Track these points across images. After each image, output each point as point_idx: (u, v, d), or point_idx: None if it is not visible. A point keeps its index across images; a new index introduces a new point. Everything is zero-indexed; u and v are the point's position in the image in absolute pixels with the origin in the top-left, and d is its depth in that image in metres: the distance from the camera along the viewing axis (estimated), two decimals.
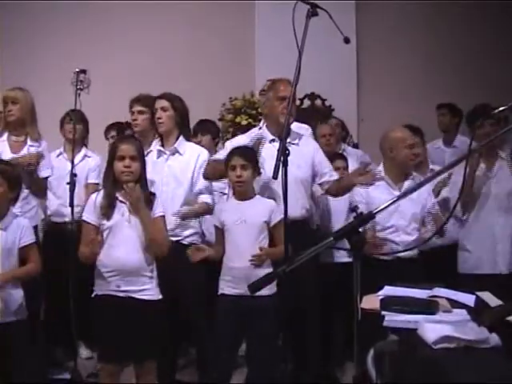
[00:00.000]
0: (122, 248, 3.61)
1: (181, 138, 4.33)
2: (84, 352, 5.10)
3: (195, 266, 4.02)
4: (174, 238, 4.07)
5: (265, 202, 3.97)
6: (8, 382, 3.68)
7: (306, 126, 4.93)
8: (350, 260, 4.51)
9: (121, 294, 3.58)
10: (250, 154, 3.99)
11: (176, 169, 4.26)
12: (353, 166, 5.17)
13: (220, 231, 3.96)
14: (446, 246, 4.56)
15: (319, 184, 4.33)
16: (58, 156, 5.10)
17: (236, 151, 3.98)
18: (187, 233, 4.25)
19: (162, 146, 4.34)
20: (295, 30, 3.33)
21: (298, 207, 4.12)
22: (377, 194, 4.21)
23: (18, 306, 3.75)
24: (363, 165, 4.83)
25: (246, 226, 3.85)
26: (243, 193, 3.95)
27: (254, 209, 3.91)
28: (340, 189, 4.30)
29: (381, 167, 4.42)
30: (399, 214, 4.21)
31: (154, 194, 3.78)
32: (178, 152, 4.30)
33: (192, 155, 4.31)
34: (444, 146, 6.21)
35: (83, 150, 5.24)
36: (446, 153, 6.07)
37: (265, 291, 3.71)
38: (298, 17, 3.36)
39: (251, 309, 3.78)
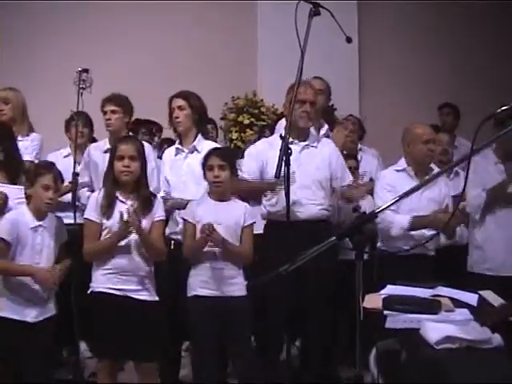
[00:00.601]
0: (120, 247, 3.61)
1: (199, 136, 4.30)
2: (86, 351, 5.08)
3: None
4: (174, 236, 4.09)
5: (240, 204, 3.97)
6: (14, 382, 3.69)
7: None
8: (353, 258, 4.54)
9: (117, 293, 3.59)
10: (228, 155, 4.00)
11: (195, 167, 4.19)
12: (367, 164, 5.32)
13: (192, 226, 3.87)
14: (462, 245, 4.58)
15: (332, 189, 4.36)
16: (65, 157, 5.03)
17: (214, 151, 3.97)
18: None
19: (181, 143, 4.32)
20: (297, 29, 3.32)
21: (317, 208, 4.17)
22: (402, 184, 4.19)
23: (48, 301, 3.79)
24: (358, 177, 4.81)
25: (221, 228, 3.79)
26: (221, 194, 3.92)
27: (229, 211, 3.89)
28: (343, 199, 4.36)
29: (403, 160, 4.45)
30: (418, 209, 4.23)
31: (154, 196, 3.78)
32: (196, 150, 4.25)
33: None
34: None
35: None
36: None
37: (239, 292, 3.79)
38: (301, 16, 3.36)
39: (227, 310, 3.78)
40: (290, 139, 4.19)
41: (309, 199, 4.13)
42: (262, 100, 6.85)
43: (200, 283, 3.83)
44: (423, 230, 4.23)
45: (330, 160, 4.30)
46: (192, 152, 4.27)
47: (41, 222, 3.74)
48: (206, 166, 3.91)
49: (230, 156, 4.00)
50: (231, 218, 3.87)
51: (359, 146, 5.93)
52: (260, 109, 6.84)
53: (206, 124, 4.45)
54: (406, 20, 7.44)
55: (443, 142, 5.10)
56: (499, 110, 2.30)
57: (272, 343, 4.19)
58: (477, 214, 4.29)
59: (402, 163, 4.44)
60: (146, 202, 3.67)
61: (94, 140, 5.30)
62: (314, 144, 4.28)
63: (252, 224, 3.92)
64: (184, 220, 3.93)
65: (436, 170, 4.42)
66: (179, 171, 4.26)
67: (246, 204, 3.98)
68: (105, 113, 4.64)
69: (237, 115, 6.87)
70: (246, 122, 6.78)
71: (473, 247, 4.40)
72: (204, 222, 3.77)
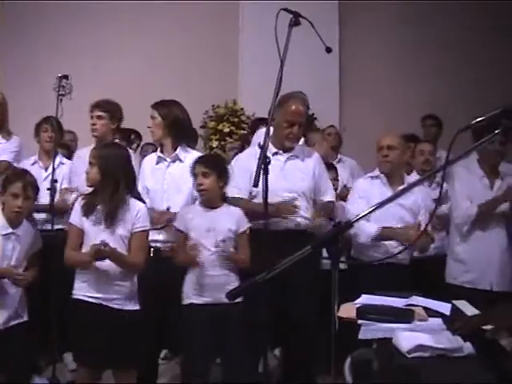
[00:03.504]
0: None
1: (181, 145, 4.25)
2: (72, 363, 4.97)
3: (176, 271, 4.01)
4: (153, 244, 4.07)
5: (232, 210, 3.96)
6: None
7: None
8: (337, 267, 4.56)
9: (96, 301, 3.55)
10: (213, 162, 3.98)
11: (177, 176, 4.17)
12: (346, 174, 5.46)
13: (183, 236, 3.88)
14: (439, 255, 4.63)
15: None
16: (32, 164, 5.01)
17: (198, 159, 3.96)
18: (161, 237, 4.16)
19: (162, 152, 4.29)
20: (277, 38, 3.34)
21: (299, 219, 4.15)
22: (375, 191, 4.29)
23: (19, 307, 3.77)
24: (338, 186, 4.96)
25: (215, 234, 3.81)
26: (208, 201, 3.92)
27: (222, 217, 3.89)
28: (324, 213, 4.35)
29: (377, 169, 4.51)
30: (387, 217, 4.23)
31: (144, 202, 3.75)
32: (179, 159, 4.21)
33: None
34: None
35: (58, 158, 5.13)
36: None
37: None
38: (282, 25, 3.37)
39: (222, 316, 3.77)
40: (275, 150, 4.24)
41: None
42: (242, 109, 6.87)
43: (195, 291, 3.82)
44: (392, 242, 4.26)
45: (314, 172, 4.31)
46: (174, 161, 4.23)
47: (14, 230, 3.72)
48: (192, 174, 3.92)
49: (214, 163, 3.96)
50: (224, 223, 3.86)
51: (339, 156, 5.99)
52: (240, 117, 6.87)
53: (184, 133, 4.39)
54: (388, 30, 7.52)
55: (425, 151, 5.13)
56: (474, 122, 2.32)
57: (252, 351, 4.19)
58: (465, 226, 4.32)
59: (377, 170, 4.48)
60: (118, 208, 3.61)
61: (66, 146, 5.31)
62: (299, 155, 4.29)
63: (247, 229, 3.89)
64: (176, 229, 3.92)
65: (414, 179, 4.46)
66: (161, 180, 4.22)
67: (239, 209, 3.97)
68: (91, 118, 4.62)
69: (217, 123, 6.89)
70: (226, 130, 6.81)
71: (452, 259, 4.44)
72: (197, 230, 3.80)
